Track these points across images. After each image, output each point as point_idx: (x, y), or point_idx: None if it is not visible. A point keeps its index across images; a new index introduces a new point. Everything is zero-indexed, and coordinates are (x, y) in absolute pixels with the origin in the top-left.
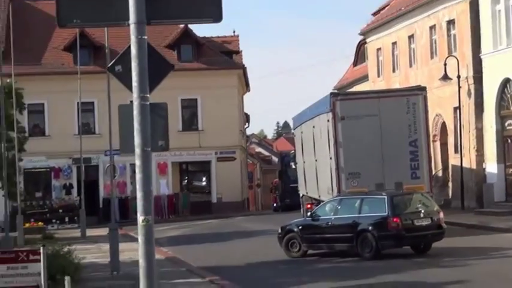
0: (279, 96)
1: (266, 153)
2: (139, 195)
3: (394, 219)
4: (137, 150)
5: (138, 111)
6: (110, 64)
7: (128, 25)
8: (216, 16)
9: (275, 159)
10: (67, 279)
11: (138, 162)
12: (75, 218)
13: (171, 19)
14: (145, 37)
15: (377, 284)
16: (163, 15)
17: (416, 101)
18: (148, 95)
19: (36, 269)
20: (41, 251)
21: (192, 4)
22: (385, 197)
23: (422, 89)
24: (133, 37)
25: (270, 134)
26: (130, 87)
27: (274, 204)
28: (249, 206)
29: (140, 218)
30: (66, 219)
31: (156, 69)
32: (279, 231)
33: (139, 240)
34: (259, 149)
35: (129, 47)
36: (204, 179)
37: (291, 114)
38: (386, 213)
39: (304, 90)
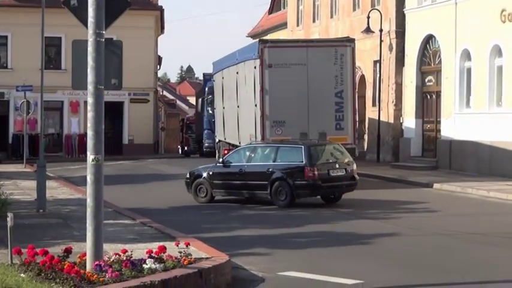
0: (184, 40)
1: (170, 96)
2: (90, 133)
3: (311, 169)
4: (90, 88)
5: (93, 48)
6: None
7: None
8: None
9: (179, 103)
10: (10, 215)
11: (90, 100)
12: None
13: None
14: None
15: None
16: None
17: (345, 52)
18: (103, 32)
19: None
20: None
21: None
22: (302, 146)
23: (351, 40)
24: None
25: (173, 77)
26: (85, 23)
27: (185, 148)
28: (158, 149)
29: (90, 156)
30: None
31: (113, 5)
32: (187, 176)
33: (88, 179)
34: (163, 93)
35: None
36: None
37: (195, 59)
38: (303, 163)
39: (209, 36)
